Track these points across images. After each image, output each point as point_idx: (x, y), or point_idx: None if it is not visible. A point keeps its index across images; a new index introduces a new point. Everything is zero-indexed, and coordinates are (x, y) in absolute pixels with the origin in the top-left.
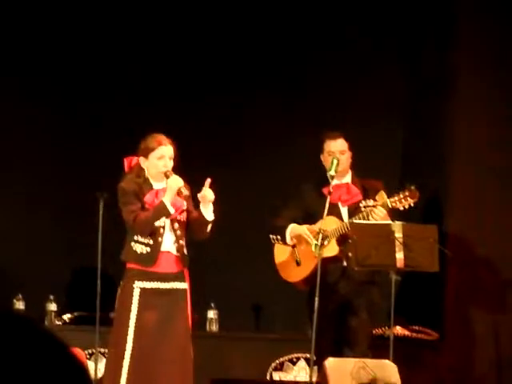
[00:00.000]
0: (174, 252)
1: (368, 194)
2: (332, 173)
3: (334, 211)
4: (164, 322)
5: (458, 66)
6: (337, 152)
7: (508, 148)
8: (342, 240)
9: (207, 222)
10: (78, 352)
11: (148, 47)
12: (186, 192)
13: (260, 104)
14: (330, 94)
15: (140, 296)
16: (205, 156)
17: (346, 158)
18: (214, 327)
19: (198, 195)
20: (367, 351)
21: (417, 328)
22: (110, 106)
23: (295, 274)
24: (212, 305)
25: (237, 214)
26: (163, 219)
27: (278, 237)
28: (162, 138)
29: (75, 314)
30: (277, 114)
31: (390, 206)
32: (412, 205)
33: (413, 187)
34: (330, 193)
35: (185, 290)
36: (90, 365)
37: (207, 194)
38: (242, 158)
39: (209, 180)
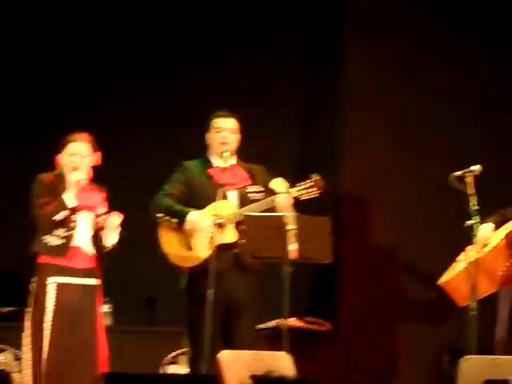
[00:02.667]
0: (87, 248)
1: (255, 178)
2: (223, 164)
3: (221, 195)
4: (77, 317)
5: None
6: (227, 130)
7: (399, 141)
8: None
9: (103, 247)
10: None
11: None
12: (82, 183)
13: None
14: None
15: (54, 291)
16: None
17: (235, 139)
18: (108, 321)
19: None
20: (255, 345)
21: (310, 319)
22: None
23: (190, 259)
24: (106, 299)
25: (125, 208)
26: (64, 213)
27: (167, 217)
28: (80, 135)
29: None
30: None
31: (295, 195)
32: (317, 195)
33: (318, 177)
34: (212, 177)
35: (96, 286)
36: None
37: (111, 220)
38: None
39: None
